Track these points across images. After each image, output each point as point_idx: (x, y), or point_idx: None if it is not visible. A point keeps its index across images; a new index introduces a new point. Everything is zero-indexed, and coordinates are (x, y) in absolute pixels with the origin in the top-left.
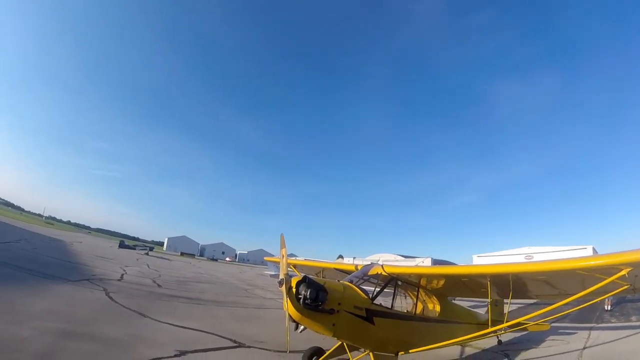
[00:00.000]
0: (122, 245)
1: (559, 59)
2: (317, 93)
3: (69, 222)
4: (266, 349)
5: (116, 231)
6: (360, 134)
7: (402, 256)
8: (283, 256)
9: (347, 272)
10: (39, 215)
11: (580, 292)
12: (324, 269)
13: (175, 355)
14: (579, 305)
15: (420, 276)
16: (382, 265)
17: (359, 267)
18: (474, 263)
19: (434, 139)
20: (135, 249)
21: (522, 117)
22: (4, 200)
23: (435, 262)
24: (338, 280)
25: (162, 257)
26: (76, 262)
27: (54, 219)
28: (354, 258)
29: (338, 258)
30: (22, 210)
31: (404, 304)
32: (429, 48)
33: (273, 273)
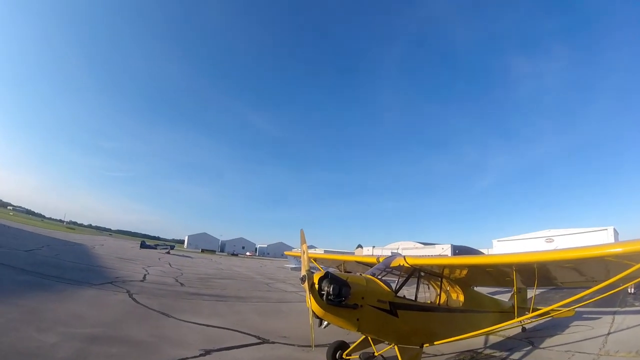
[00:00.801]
0: (143, 246)
1: (578, 34)
2: (332, 79)
3: (90, 226)
4: (290, 344)
5: (137, 232)
6: (374, 120)
7: (422, 243)
8: (304, 252)
9: (369, 265)
10: (60, 221)
11: (607, 278)
12: (344, 262)
13: (200, 355)
14: (605, 292)
15: (443, 267)
16: (404, 257)
17: (381, 259)
18: (494, 248)
19: (450, 121)
20: (156, 249)
21: (539, 96)
22: (24, 208)
23: (455, 249)
24: (360, 274)
25: (183, 255)
26: (99, 265)
27: (75, 223)
28: (373, 247)
29: (357, 248)
30: (43, 217)
31: (427, 295)
32: (441, 23)
33: (293, 266)
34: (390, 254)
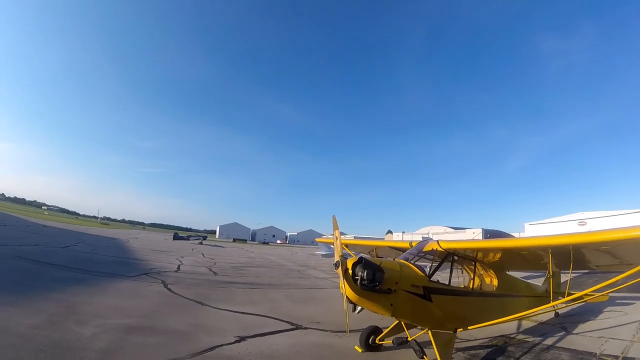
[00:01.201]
0: (176, 237)
1: (608, 10)
2: (357, 63)
3: (123, 221)
4: (324, 330)
5: (170, 224)
6: (403, 102)
7: (452, 228)
8: (337, 238)
9: (401, 250)
10: (94, 217)
11: None
12: (376, 247)
13: (236, 341)
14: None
15: (477, 250)
16: (437, 241)
17: (413, 244)
18: (526, 232)
19: (479, 101)
20: (189, 240)
21: (570, 75)
22: (58, 207)
23: (487, 233)
24: (393, 259)
25: (215, 245)
26: (133, 258)
27: (108, 219)
28: (403, 232)
29: (387, 233)
30: (77, 214)
31: (461, 279)
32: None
33: (324, 253)
34: (421, 239)
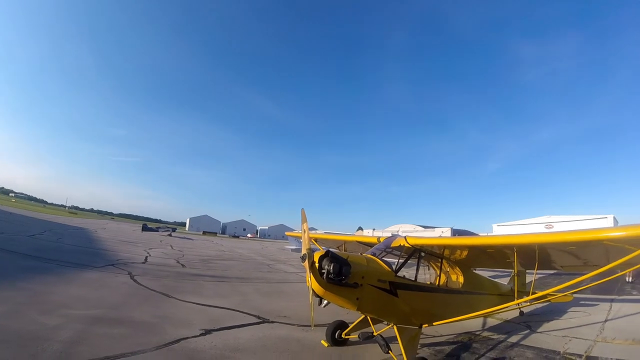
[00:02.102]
0: (145, 229)
1: (582, 17)
2: (335, 59)
3: (92, 210)
4: (290, 324)
5: (139, 215)
6: (378, 100)
7: (422, 226)
8: (305, 231)
9: (369, 245)
10: (62, 206)
11: (607, 263)
12: (345, 242)
13: (201, 334)
14: (604, 277)
15: (444, 247)
16: (405, 237)
17: (381, 239)
18: (494, 232)
19: (453, 105)
20: (158, 231)
21: (544, 82)
22: (26, 195)
23: (455, 232)
24: (361, 254)
25: (185, 237)
26: (100, 248)
27: (77, 208)
28: (374, 229)
29: (358, 230)
30: (45, 202)
31: (427, 275)
32: (449, 5)
33: (294, 247)
34: (390, 236)
